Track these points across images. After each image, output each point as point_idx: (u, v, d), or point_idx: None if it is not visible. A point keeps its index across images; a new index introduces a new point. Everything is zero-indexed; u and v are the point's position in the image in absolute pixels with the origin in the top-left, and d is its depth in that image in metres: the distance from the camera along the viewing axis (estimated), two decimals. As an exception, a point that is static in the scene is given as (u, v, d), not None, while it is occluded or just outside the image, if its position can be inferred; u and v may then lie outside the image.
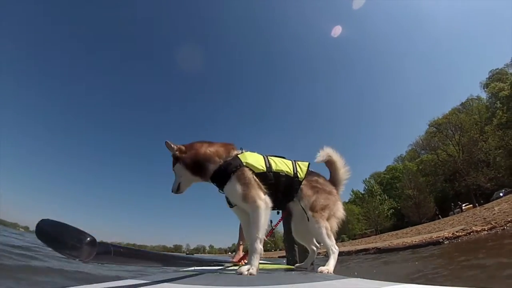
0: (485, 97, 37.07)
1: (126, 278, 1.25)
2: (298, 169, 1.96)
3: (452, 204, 33.51)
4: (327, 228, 1.75)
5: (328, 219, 1.80)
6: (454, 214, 29.98)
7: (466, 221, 17.44)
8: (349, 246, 24.20)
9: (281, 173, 1.86)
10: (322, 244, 1.94)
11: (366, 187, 50.85)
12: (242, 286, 1.11)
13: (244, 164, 1.73)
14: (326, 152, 2.05)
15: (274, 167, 1.86)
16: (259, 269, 1.53)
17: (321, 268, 1.65)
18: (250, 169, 1.74)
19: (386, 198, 45.95)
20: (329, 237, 1.75)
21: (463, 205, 30.77)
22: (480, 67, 73.61)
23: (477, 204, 29.23)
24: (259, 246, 1.57)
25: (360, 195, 51.13)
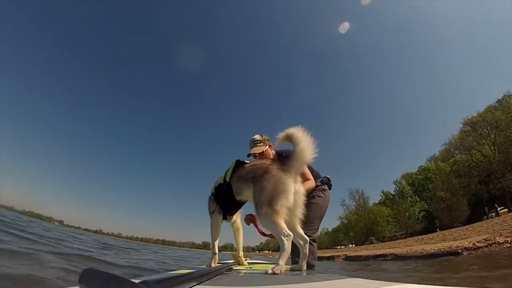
0: (523, 92, 34.57)
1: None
2: (228, 171, 2.13)
3: (486, 208, 31.84)
4: (275, 222, 1.59)
5: (269, 204, 1.62)
6: (487, 218, 28.61)
7: (494, 229, 16.52)
8: (371, 250, 24.29)
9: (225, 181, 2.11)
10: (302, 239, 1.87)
11: (397, 188, 49.29)
12: (242, 286, 1.11)
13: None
14: (285, 131, 1.85)
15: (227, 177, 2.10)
16: (259, 270, 1.70)
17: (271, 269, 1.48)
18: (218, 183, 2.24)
19: (417, 200, 44.42)
20: (277, 228, 1.58)
21: (499, 208, 29.22)
22: None
23: (513, 208, 27.74)
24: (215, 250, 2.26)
25: (391, 196, 49.78)
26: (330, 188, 3.02)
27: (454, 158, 41.93)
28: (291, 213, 1.74)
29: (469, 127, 38.64)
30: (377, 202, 54.75)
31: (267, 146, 2.71)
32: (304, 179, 2.46)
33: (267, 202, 1.63)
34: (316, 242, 2.77)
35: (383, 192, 53.40)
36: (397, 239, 40.72)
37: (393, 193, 49.96)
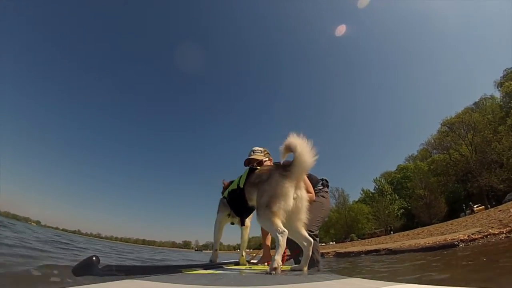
0: (499, 96, 36.31)
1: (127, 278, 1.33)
2: (242, 178, 2.29)
3: (464, 205, 33.06)
4: (272, 221, 1.69)
5: (267, 206, 1.74)
6: (465, 215, 29.64)
7: (481, 223, 16.57)
8: (359, 246, 24.15)
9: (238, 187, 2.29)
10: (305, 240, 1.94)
11: (377, 186, 50.62)
12: (242, 286, 1.13)
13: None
14: (284, 143, 1.91)
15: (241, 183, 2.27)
16: (259, 270, 1.79)
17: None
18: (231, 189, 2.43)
19: (397, 197, 45.66)
20: (273, 227, 1.68)
21: (475, 206, 30.34)
22: (494, 65, 72.17)
23: (489, 206, 28.84)
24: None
25: (370, 194, 50.99)
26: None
27: (432, 158, 43.38)
28: (295, 217, 1.86)
29: (447, 128, 40.11)
30: (357, 200, 55.88)
31: (267, 159, 2.85)
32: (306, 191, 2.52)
33: (265, 204, 1.75)
34: (318, 237, 2.88)
35: (363, 190, 54.55)
36: (377, 236, 41.48)
37: (373, 191, 51.15)
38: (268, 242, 3.09)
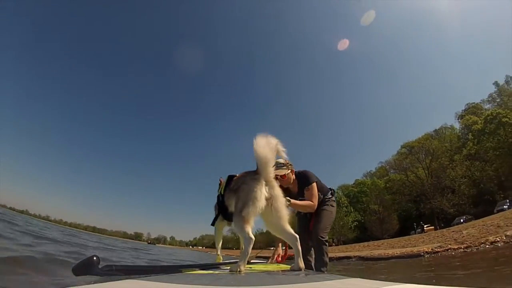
0: (458, 128, 39.48)
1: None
2: (222, 186, 2.44)
3: (415, 223, 34.97)
4: (241, 227, 1.71)
5: (240, 211, 1.74)
6: (415, 233, 31.28)
7: (438, 240, 17.96)
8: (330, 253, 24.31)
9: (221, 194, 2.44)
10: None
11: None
12: (242, 286, 1.11)
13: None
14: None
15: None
16: (259, 270, 1.96)
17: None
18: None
19: (352, 210, 47.00)
20: (242, 232, 1.71)
21: (425, 226, 32.17)
22: (457, 98, 78.54)
23: (438, 227, 30.74)
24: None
25: (327, 205, 51.89)
26: None
27: (389, 176, 45.74)
28: (275, 215, 1.84)
29: (406, 150, 42.60)
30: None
31: (289, 171, 2.94)
32: (308, 198, 2.86)
33: (239, 210, 1.75)
34: (328, 243, 2.97)
35: (320, 199, 55.47)
36: (330, 245, 42.19)
37: (330, 202, 52.14)
38: (279, 242, 3.15)
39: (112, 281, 1.01)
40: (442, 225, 31.29)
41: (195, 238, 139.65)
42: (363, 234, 42.20)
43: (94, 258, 1.37)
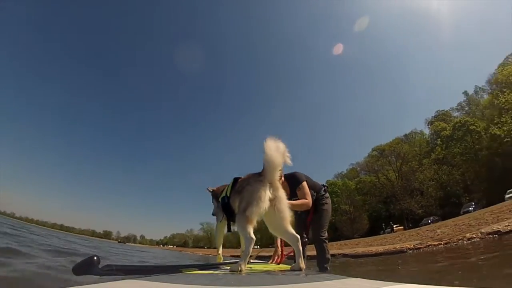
0: (427, 133, 41.37)
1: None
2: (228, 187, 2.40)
3: (384, 224, 35.92)
4: (243, 226, 1.71)
5: (244, 211, 1.74)
6: (384, 233, 32.05)
7: (413, 238, 18.35)
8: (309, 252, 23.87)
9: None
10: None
11: (305, 197, 51.91)
12: (242, 286, 1.12)
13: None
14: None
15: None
16: (259, 270, 1.93)
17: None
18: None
19: (323, 210, 47.52)
20: (243, 232, 1.71)
21: (395, 226, 33.09)
22: (427, 104, 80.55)
23: (407, 227, 31.74)
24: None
25: (298, 204, 51.97)
26: None
27: (359, 178, 46.84)
28: (278, 216, 1.84)
29: (377, 153, 43.94)
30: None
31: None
32: (301, 197, 2.87)
33: (243, 210, 1.75)
34: (328, 241, 3.15)
35: (291, 199, 55.51)
36: (301, 244, 42.11)
37: (300, 201, 52.26)
38: (278, 242, 3.19)
39: (112, 281, 1.01)
40: (410, 225, 32.37)
41: (165, 237, 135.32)
42: (334, 233, 42.66)
43: (95, 258, 1.33)
